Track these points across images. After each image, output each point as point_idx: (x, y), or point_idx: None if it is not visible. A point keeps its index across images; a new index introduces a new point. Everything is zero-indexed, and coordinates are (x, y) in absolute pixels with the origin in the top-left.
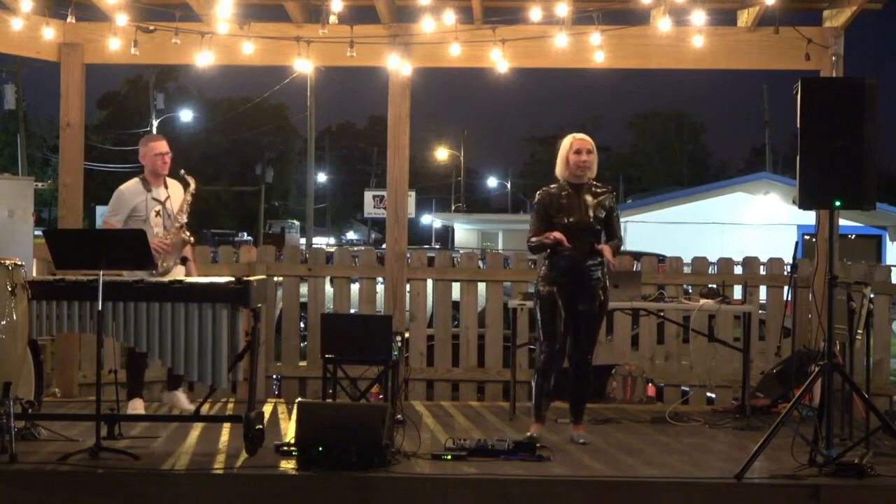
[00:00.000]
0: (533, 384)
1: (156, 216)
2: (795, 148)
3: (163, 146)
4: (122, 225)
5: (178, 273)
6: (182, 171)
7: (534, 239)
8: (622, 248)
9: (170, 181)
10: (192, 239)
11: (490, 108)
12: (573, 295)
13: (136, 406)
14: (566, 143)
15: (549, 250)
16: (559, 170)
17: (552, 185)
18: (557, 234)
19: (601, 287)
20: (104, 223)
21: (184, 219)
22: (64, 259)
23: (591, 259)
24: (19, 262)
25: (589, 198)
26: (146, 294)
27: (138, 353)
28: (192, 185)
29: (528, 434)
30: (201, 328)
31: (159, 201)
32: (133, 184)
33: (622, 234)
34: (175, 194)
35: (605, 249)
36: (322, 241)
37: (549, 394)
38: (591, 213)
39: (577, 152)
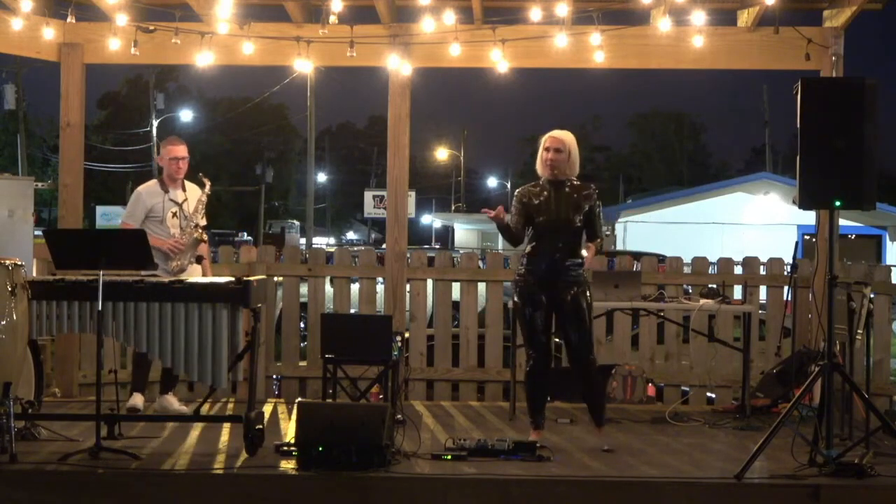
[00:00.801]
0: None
1: (172, 217)
2: (795, 148)
3: (179, 151)
4: (139, 226)
5: (194, 272)
6: (200, 174)
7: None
8: (612, 248)
9: (188, 184)
10: (205, 237)
11: (490, 108)
12: (555, 296)
13: (136, 401)
14: (542, 139)
15: (528, 248)
16: (537, 167)
17: (533, 183)
18: (490, 212)
19: (583, 287)
20: (122, 223)
21: (199, 219)
22: (64, 259)
23: (571, 258)
24: (19, 262)
25: (568, 195)
26: (146, 294)
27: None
28: (207, 187)
29: (529, 440)
30: (201, 328)
31: (176, 203)
32: (151, 185)
33: (622, 234)
34: (192, 197)
35: (591, 250)
36: (322, 241)
37: (543, 398)
38: (568, 212)
39: (547, 150)
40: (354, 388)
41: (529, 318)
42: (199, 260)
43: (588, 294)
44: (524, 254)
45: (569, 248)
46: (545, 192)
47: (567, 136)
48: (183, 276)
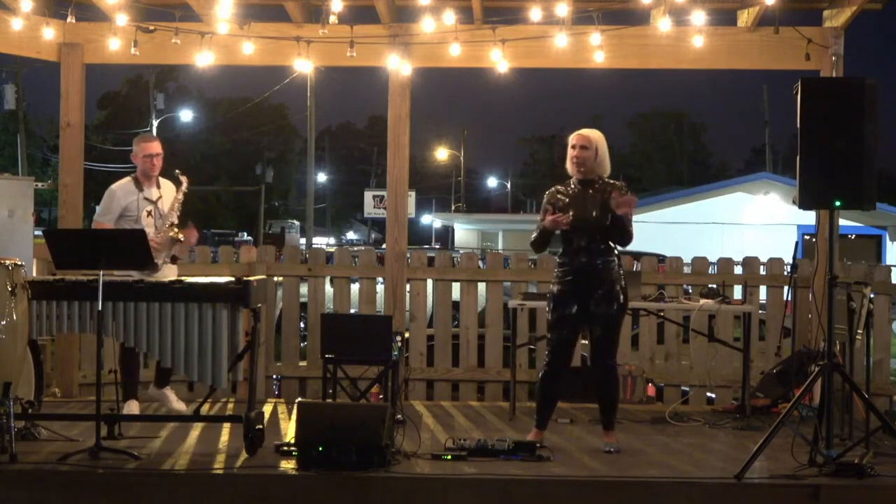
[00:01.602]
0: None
1: (147, 216)
2: (795, 148)
3: (153, 147)
4: (114, 225)
5: (169, 272)
6: (176, 171)
7: (533, 235)
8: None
9: (163, 181)
10: (181, 237)
11: (490, 108)
12: (586, 296)
13: (132, 408)
14: (569, 138)
15: (562, 249)
16: (567, 166)
17: (562, 184)
18: (551, 217)
19: (617, 286)
20: (95, 223)
21: (174, 218)
22: (64, 259)
23: (602, 257)
24: (19, 262)
25: (595, 194)
26: (146, 294)
27: (133, 354)
28: (185, 185)
29: (529, 439)
30: (201, 328)
31: (151, 201)
32: (125, 183)
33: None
34: (167, 194)
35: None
36: (322, 241)
37: (553, 401)
38: (595, 210)
39: (572, 147)
40: (354, 388)
41: (556, 319)
42: (174, 260)
43: (621, 296)
44: (559, 255)
45: (599, 247)
46: (573, 192)
47: (594, 134)
48: (157, 277)
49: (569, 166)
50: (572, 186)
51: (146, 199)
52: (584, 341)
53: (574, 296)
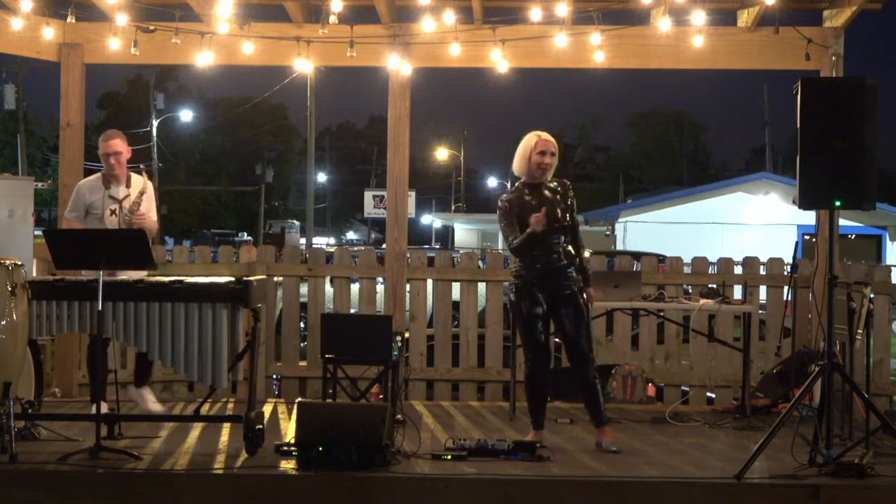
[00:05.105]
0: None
1: (111, 215)
2: (795, 148)
3: (114, 145)
4: (84, 221)
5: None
6: (141, 167)
7: (517, 241)
8: (612, 248)
9: (135, 178)
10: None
11: (490, 108)
12: (553, 296)
13: (148, 397)
14: (531, 141)
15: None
16: (518, 167)
17: (512, 190)
18: (537, 216)
19: (580, 284)
20: (64, 220)
21: (150, 213)
22: (64, 259)
23: (564, 260)
24: (19, 262)
25: (550, 196)
26: (146, 294)
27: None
28: (143, 184)
29: (528, 440)
30: (201, 328)
31: (116, 199)
32: (93, 180)
33: (622, 234)
34: (136, 192)
35: (590, 297)
36: (322, 241)
37: (543, 399)
38: (558, 211)
39: (542, 153)
40: (354, 388)
41: (527, 319)
42: None
43: (585, 293)
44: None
45: (563, 246)
46: (532, 195)
47: (553, 139)
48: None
49: (527, 169)
50: (526, 191)
51: (111, 197)
52: None
53: (540, 294)
